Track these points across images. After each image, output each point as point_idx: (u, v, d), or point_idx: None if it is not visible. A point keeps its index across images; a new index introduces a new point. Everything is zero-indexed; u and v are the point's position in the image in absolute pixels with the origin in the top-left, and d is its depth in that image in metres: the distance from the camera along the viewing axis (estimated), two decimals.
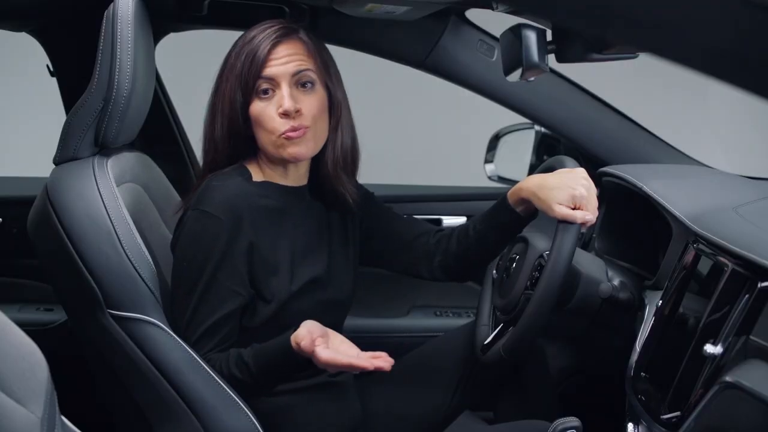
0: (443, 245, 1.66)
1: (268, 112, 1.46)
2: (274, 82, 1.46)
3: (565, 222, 1.42)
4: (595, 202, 1.45)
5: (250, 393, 1.44)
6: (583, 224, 1.43)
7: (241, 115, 1.47)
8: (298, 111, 1.45)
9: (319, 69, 1.50)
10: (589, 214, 1.43)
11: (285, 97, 1.45)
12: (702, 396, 1.18)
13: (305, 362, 1.35)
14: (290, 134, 1.46)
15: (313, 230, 1.56)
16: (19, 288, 2.18)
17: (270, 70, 1.45)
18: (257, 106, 1.47)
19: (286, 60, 1.46)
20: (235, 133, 1.48)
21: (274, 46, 1.46)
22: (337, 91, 1.53)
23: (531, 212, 1.56)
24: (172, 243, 1.51)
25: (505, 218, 1.57)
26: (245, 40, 1.47)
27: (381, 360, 1.33)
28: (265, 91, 1.46)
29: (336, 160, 1.53)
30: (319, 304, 1.49)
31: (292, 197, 1.54)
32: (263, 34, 1.47)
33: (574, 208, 1.43)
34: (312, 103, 1.47)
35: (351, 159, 1.57)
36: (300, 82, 1.47)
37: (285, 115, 1.45)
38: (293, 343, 1.34)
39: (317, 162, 1.55)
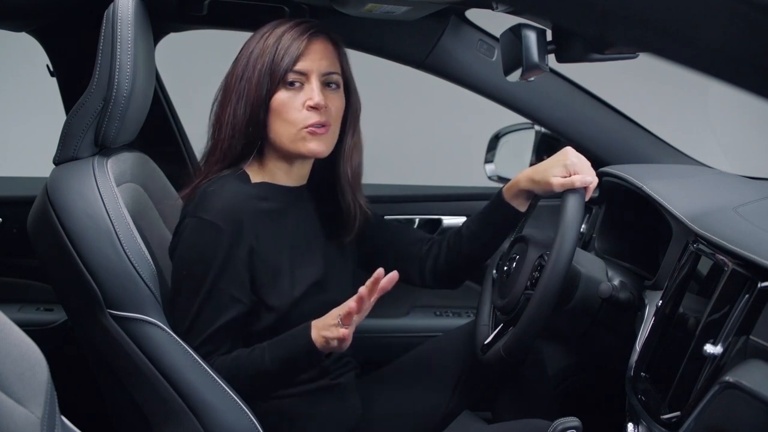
0: (434, 251, 1.67)
1: (294, 104, 1.47)
2: (305, 76, 1.47)
3: (568, 192, 1.45)
4: (588, 165, 1.49)
5: (257, 389, 1.45)
6: (586, 189, 1.46)
7: (265, 102, 1.47)
8: (326, 106, 1.47)
9: (344, 73, 1.53)
10: (587, 176, 1.46)
11: (315, 90, 1.46)
12: (702, 396, 1.18)
13: (320, 352, 1.38)
14: (315, 129, 1.47)
15: (310, 231, 1.56)
16: (19, 288, 2.18)
17: (304, 64, 1.47)
18: (282, 96, 1.47)
19: (320, 57, 1.48)
20: (254, 118, 1.47)
21: (309, 42, 1.47)
22: (356, 96, 1.56)
23: (525, 207, 1.59)
24: (170, 249, 1.50)
25: (502, 215, 1.60)
26: (275, 34, 1.47)
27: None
28: (292, 83, 1.47)
29: (355, 169, 1.56)
30: (322, 306, 1.49)
31: (291, 197, 1.54)
32: (296, 29, 1.47)
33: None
34: (336, 102, 1.50)
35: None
36: (326, 82, 1.49)
37: (313, 108, 1.46)
38: (313, 331, 1.37)
39: (331, 167, 1.55)
